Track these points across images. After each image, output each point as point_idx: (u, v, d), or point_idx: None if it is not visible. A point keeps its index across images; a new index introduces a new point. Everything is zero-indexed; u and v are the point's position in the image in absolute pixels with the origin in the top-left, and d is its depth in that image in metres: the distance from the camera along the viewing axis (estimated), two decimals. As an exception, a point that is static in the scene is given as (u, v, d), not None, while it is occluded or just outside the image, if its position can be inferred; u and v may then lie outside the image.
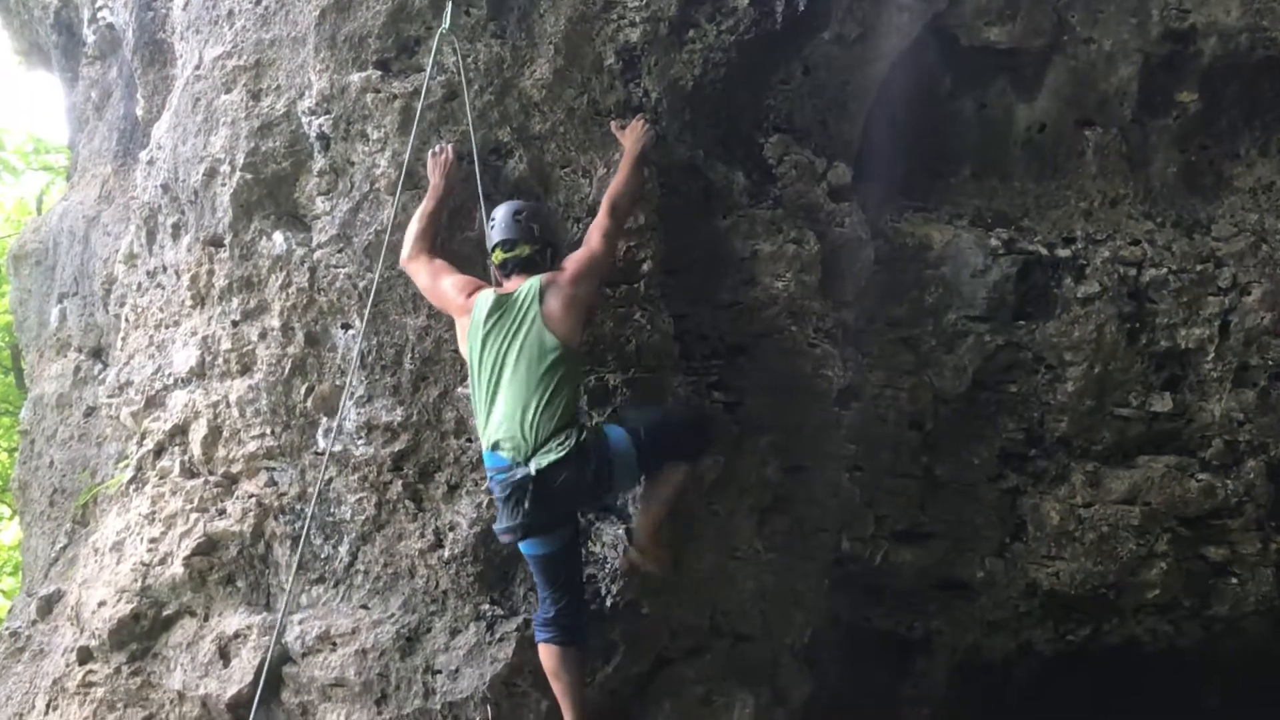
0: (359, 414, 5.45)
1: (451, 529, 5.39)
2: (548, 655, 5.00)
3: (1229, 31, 6.56)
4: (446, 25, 5.26)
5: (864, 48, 5.98)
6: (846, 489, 6.09)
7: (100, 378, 7.22)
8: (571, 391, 4.81)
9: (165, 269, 6.21)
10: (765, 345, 5.71)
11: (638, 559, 5.15)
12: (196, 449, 5.92)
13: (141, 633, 5.86)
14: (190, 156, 5.86)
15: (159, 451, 6.12)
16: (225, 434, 5.81)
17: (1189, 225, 6.66)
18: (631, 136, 5.25)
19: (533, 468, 4.64)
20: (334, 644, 5.41)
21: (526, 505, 4.64)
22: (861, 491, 6.17)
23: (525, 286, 4.87)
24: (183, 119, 5.95)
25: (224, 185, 5.67)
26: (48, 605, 6.83)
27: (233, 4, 5.81)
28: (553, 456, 4.63)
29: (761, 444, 5.72)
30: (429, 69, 5.27)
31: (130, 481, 6.25)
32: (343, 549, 5.56)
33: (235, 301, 5.73)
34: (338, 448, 5.46)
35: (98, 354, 7.75)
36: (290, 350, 5.60)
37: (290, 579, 5.57)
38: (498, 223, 5.04)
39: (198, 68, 5.91)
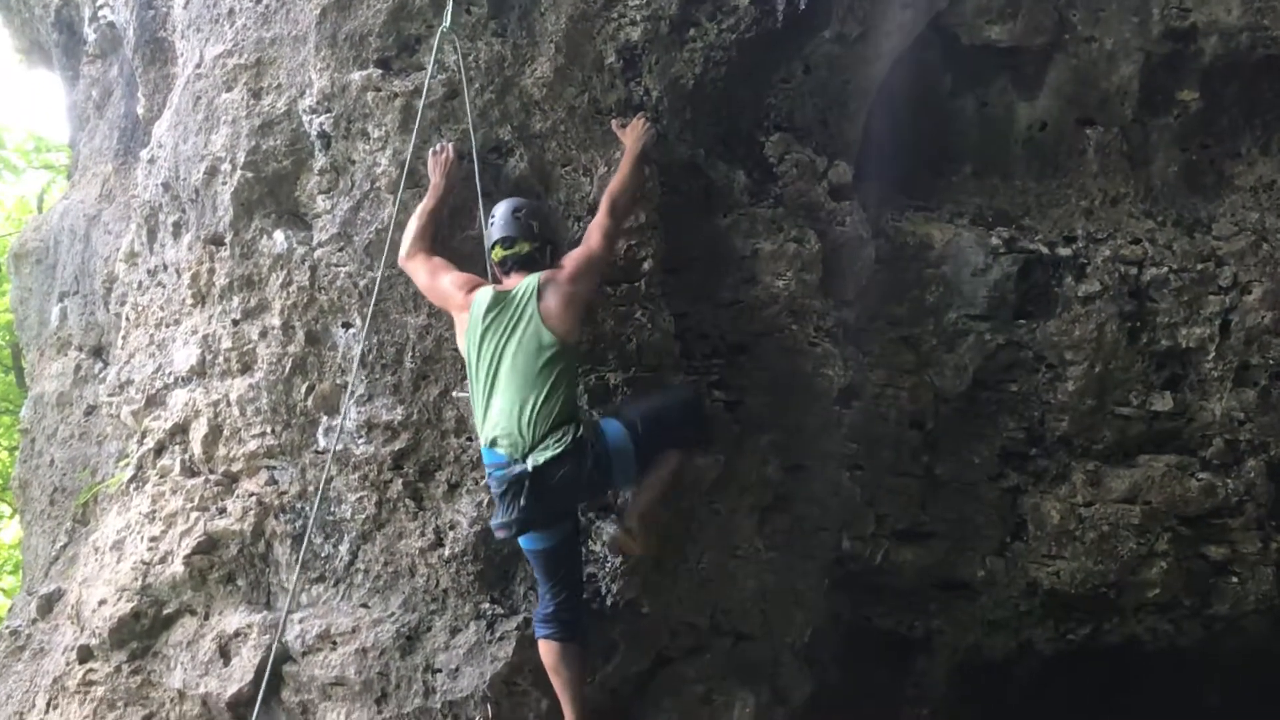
0: (359, 413, 5.45)
1: (452, 528, 5.39)
2: (547, 651, 5.01)
3: (1230, 30, 6.57)
4: (447, 24, 5.26)
5: (865, 46, 5.99)
6: (847, 488, 6.09)
7: (101, 376, 7.22)
8: (569, 388, 4.82)
9: (166, 267, 6.21)
10: (766, 344, 5.71)
11: (626, 542, 5.16)
12: (197, 448, 5.91)
13: (142, 631, 5.85)
14: (191, 155, 5.85)
15: (159, 450, 6.12)
16: (226, 433, 5.81)
17: (1190, 224, 6.67)
18: (632, 135, 5.26)
19: (529, 464, 4.65)
20: (334, 643, 5.40)
21: (522, 501, 4.66)
22: (862, 490, 6.17)
23: (523, 284, 4.88)
24: (184, 117, 5.94)
25: (225, 184, 5.67)
26: (48, 604, 6.83)
27: (234, 2, 5.81)
28: (550, 453, 4.65)
29: (762, 443, 5.72)
30: (430, 67, 5.27)
31: (131, 480, 6.25)
32: (343, 548, 5.56)
33: (236, 300, 5.73)
34: (339, 446, 5.46)
35: (98, 352, 7.75)
36: (291, 349, 5.60)
37: (294, 577, 5.57)
38: (497, 220, 5.05)
39: (199, 66, 5.91)
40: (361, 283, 5.42)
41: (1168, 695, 6.66)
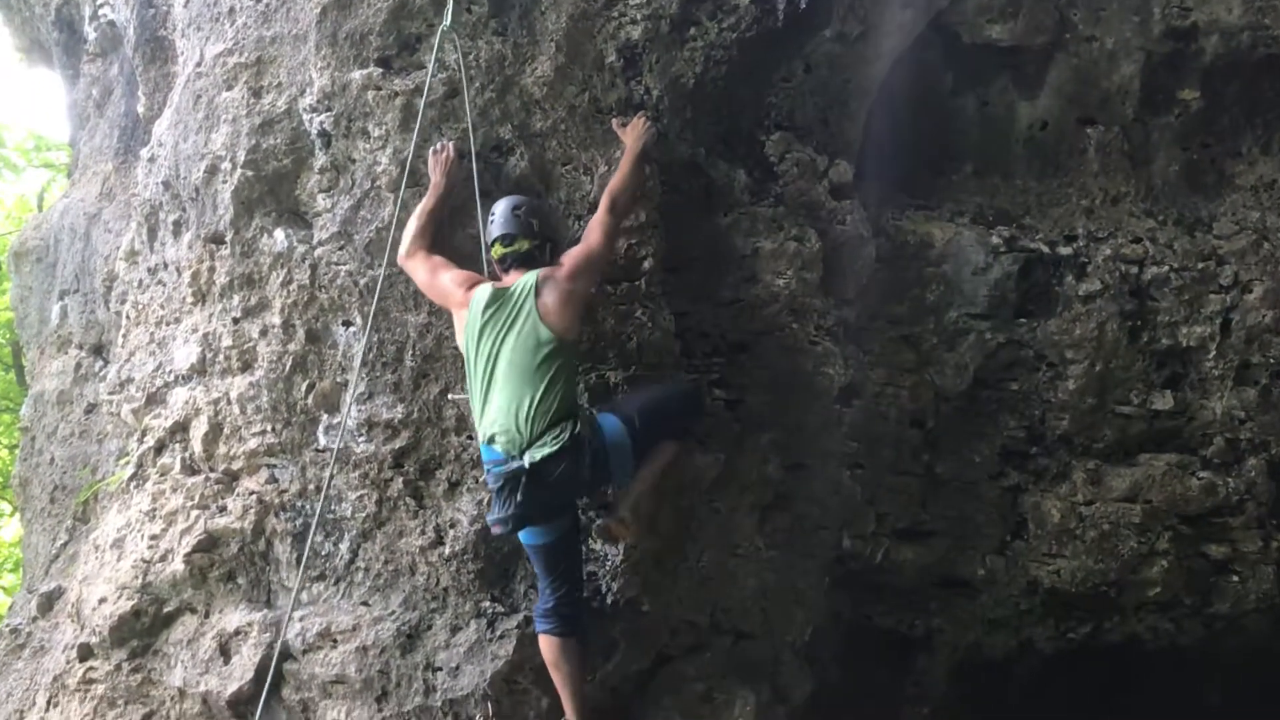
0: (360, 411, 5.45)
1: (452, 526, 5.39)
2: (548, 646, 5.02)
3: (1231, 29, 6.56)
4: (448, 22, 5.26)
5: (865, 45, 5.99)
6: (847, 487, 6.09)
7: (101, 375, 7.22)
8: (567, 385, 4.82)
9: (166, 266, 6.21)
10: (766, 343, 5.71)
11: (619, 529, 5.15)
12: (197, 446, 5.91)
13: (142, 630, 5.85)
14: (191, 153, 5.85)
15: (160, 448, 6.12)
16: (226, 431, 5.81)
17: (1190, 223, 6.67)
18: (633, 134, 5.26)
19: (527, 461, 4.65)
20: (334, 641, 5.40)
21: (519, 497, 4.67)
22: (862, 489, 6.17)
23: (522, 281, 4.88)
24: (184, 116, 5.94)
25: (225, 182, 5.67)
26: (48, 602, 6.83)
27: (234, 1, 5.80)
28: (547, 450, 4.65)
29: (762, 441, 5.72)
30: (430, 66, 5.27)
31: (131, 478, 6.25)
32: (343, 546, 5.56)
33: (236, 298, 5.73)
34: (339, 445, 5.46)
35: (99, 351, 7.75)
36: (291, 347, 5.60)
37: (296, 576, 5.57)
38: (497, 217, 5.06)
39: (199, 65, 5.91)
40: (362, 281, 5.42)
41: (1168, 694, 6.67)
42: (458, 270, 5.08)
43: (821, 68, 5.94)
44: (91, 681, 5.90)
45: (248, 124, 5.59)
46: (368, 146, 5.41)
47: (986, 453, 6.43)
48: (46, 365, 8.26)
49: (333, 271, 5.48)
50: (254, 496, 5.72)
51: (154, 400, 6.16)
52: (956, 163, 6.79)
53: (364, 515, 5.50)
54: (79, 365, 7.87)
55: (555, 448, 4.66)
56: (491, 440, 4.79)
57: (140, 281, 6.45)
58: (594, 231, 5.00)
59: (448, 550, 5.38)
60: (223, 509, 5.78)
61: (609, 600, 5.37)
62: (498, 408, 4.76)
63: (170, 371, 6.07)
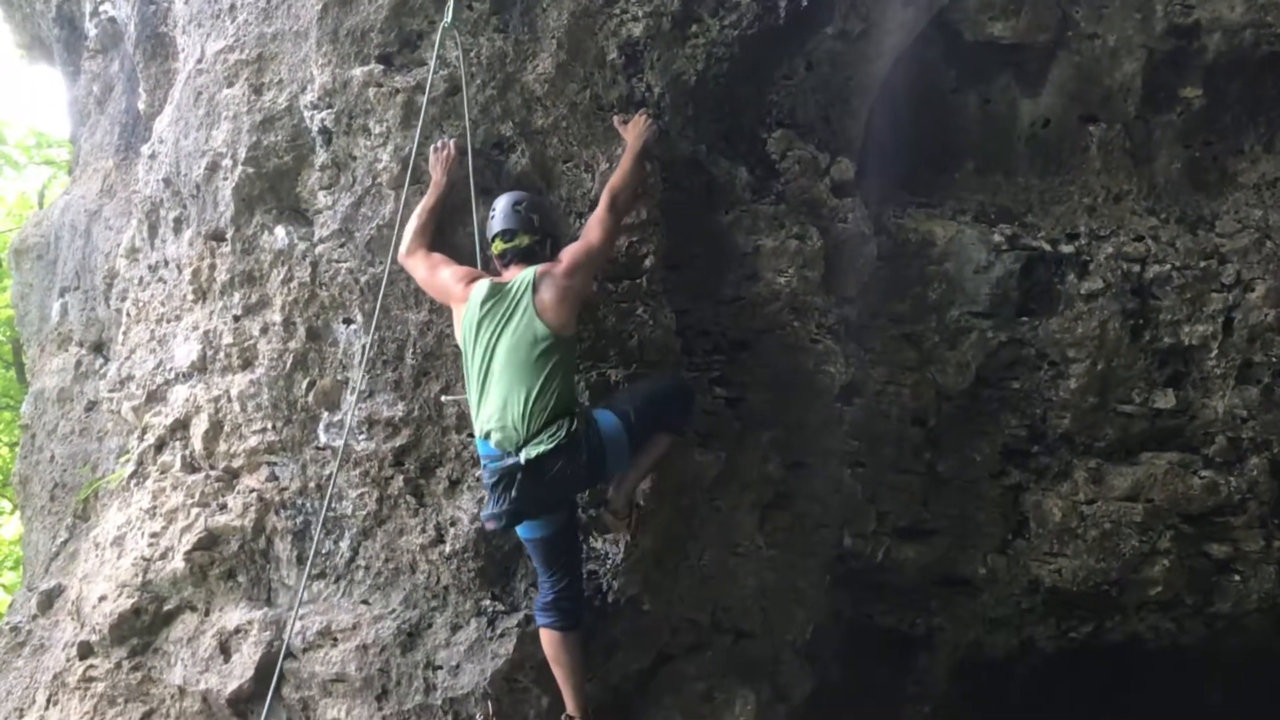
0: (360, 409, 5.44)
1: (453, 524, 5.38)
2: (548, 640, 5.02)
3: (1233, 27, 6.56)
4: (449, 19, 5.25)
5: (867, 43, 5.98)
6: (848, 485, 6.09)
7: (101, 372, 7.22)
8: (564, 381, 4.81)
9: (167, 263, 6.20)
10: (767, 341, 5.71)
11: (613, 523, 5.19)
12: (197, 444, 5.91)
13: (142, 628, 5.85)
14: (192, 150, 5.84)
15: (160, 446, 6.11)
16: (226, 429, 5.81)
17: (1193, 221, 6.65)
18: (634, 131, 5.25)
19: (523, 457, 4.65)
20: (335, 639, 5.40)
21: (514, 493, 4.67)
22: (863, 488, 6.17)
23: (520, 276, 4.88)
24: (185, 113, 5.94)
25: (226, 179, 5.66)
26: (48, 600, 6.83)
27: (235, -2, 5.81)
28: (544, 447, 4.65)
29: (763, 440, 5.72)
30: (432, 63, 5.26)
31: (131, 476, 6.24)
32: (344, 544, 5.55)
33: (237, 296, 5.72)
34: (340, 443, 5.45)
35: (99, 348, 7.75)
36: (292, 345, 5.59)
37: (296, 574, 5.58)
38: (498, 213, 5.05)
39: (200, 62, 5.90)
40: (362, 279, 5.42)
41: (1169, 693, 6.67)
42: (457, 266, 5.09)
43: (823, 65, 5.93)
44: (91, 679, 5.89)
45: (248, 121, 5.59)
46: (369, 144, 5.41)
47: (988, 451, 6.42)
48: (47, 362, 8.26)
49: (333, 269, 5.47)
50: (254, 494, 5.71)
51: (154, 398, 6.16)
52: (958, 160, 6.78)
53: (364, 513, 5.50)
54: (79, 362, 7.87)
55: (552, 445, 4.66)
56: (488, 436, 4.79)
57: (141, 279, 6.45)
58: (594, 228, 4.99)
59: (448, 548, 5.37)
60: (223, 507, 5.77)
61: (610, 599, 5.36)
62: (494, 403, 4.76)
63: (171, 369, 6.07)
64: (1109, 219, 6.62)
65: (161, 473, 6.07)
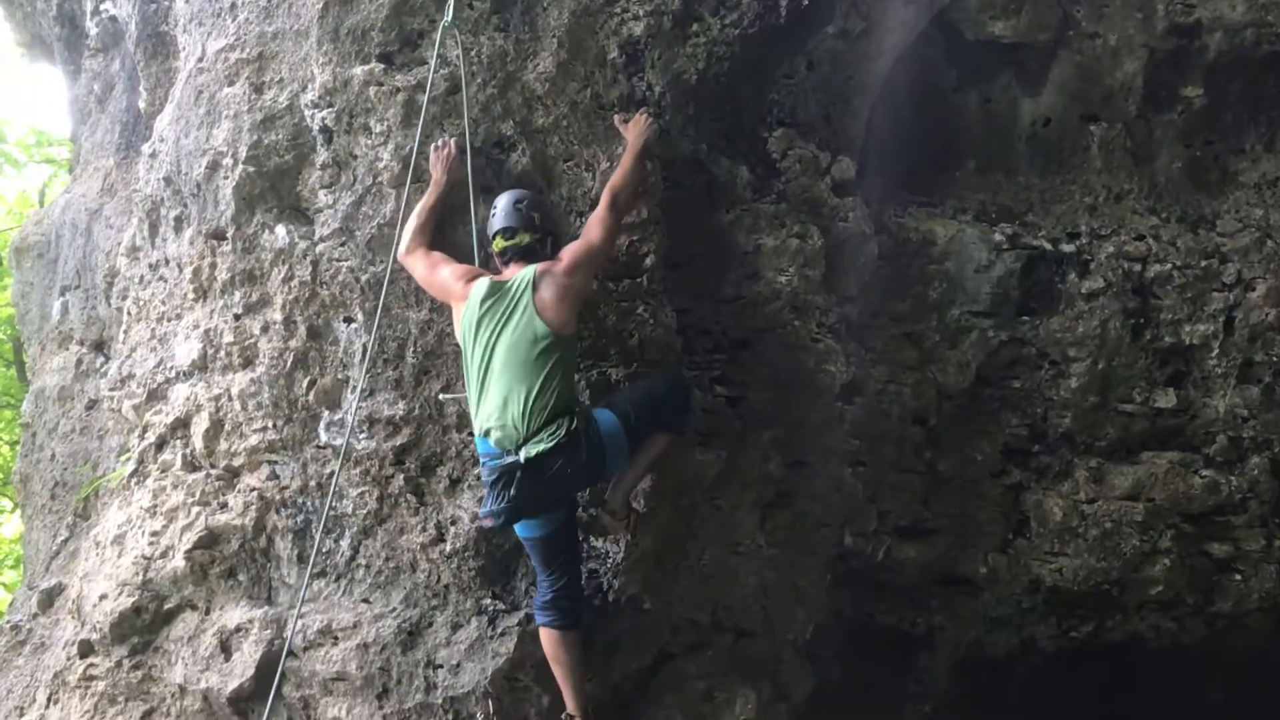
0: (361, 408, 5.44)
1: (453, 523, 5.38)
2: (547, 639, 5.03)
3: (1234, 26, 6.56)
4: (449, 18, 5.24)
5: (868, 42, 5.98)
6: (849, 484, 6.09)
7: (102, 371, 7.22)
8: (564, 380, 4.81)
9: (167, 262, 6.20)
10: (768, 340, 5.70)
11: (612, 524, 5.19)
12: (198, 442, 5.91)
13: (143, 626, 5.85)
14: (193, 149, 5.84)
15: (160, 445, 6.11)
16: (227, 427, 5.81)
17: (1194, 221, 6.65)
18: (634, 130, 5.24)
19: (523, 456, 4.65)
20: (335, 638, 5.40)
21: (512, 491, 4.67)
22: (864, 487, 6.17)
23: (520, 275, 4.88)
24: (185, 112, 5.94)
25: (226, 178, 5.66)
26: (49, 598, 6.83)
27: (235, -4, 5.80)
28: (543, 446, 4.65)
29: (764, 439, 5.72)
30: (432, 62, 5.26)
31: (132, 475, 6.24)
32: (344, 543, 5.55)
33: (237, 295, 5.72)
34: (340, 441, 5.45)
35: (100, 347, 7.75)
36: (292, 344, 5.59)
37: (297, 572, 5.58)
38: (499, 211, 5.06)
39: (200, 60, 5.90)
40: (363, 277, 5.42)
41: (1170, 693, 6.66)
42: (457, 264, 5.09)
43: (824, 64, 5.93)
44: (92, 678, 5.89)
45: (249, 120, 5.59)
46: (369, 142, 5.41)
47: (989, 450, 6.42)
48: (47, 361, 8.26)
49: (334, 268, 5.47)
50: (255, 493, 5.71)
51: (155, 396, 6.16)
52: (959, 159, 6.78)
53: (365, 512, 5.50)
54: (80, 361, 7.87)
55: (552, 443, 4.66)
56: (487, 434, 4.79)
57: (141, 277, 6.45)
58: (594, 227, 4.98)
59: (449, 547, 5.37)
60: (224, 505, 5.77)
61: (610, 598, 5.36)
62: (494, 402, 4.76)
63: (171, 368, 6.07)
64: (1110, 218, 6.61)
65: (162, 471, 6.07)
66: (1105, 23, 6.54)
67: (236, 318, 5.74)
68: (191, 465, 5.99)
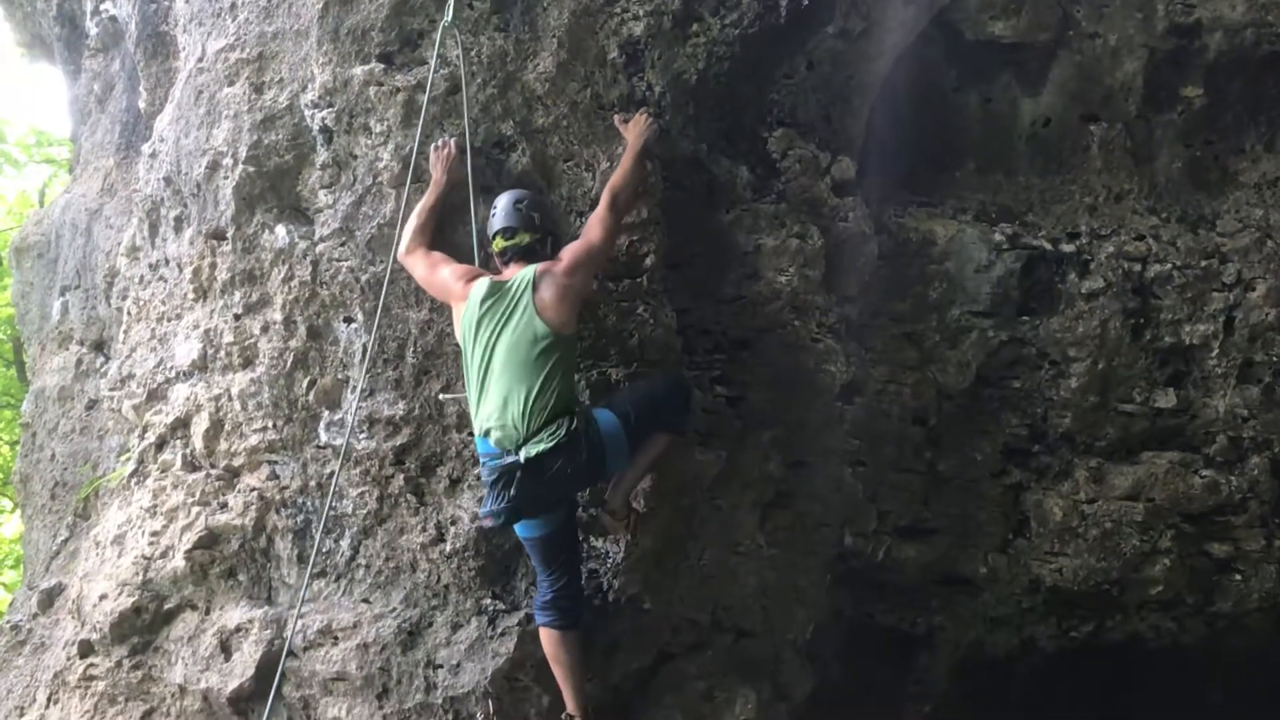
0: (361, 407, 5.44)
1: (453, 523, 5.38)
2: (547, 639, 5.03)
3: (1234, 26, 6.56)
4: (449, 18, 5.24)
5: (868, 42, 5.98)
6: (849, 484, 6.09)
7: (102, 371, 7.22)
8: (564, 380, 4.81)
9: (167, 262, 6.20)
10: (768, 340, 5.70)
11: (612, 524, 5.19)
12: (198, 442, 5.91)
13: (143, 626, 5.85)
14: (193, 149, 5.84)
15: (160, 445, 6.11)
16: (227, 427, 5.81)
17: (1194, 221, 6.65)
18: (634, 130, 5.24)
19: (523, 456, 4.65)
20: (335, 638, 5.40)
21: (512, 491, 4.66)
22: (864, 487, 6.17)
23: (520, 275, 4.88)
24: (185, 112, 5.94)
25: (226, 178, 5.66)
26: (49, 598, 6.83)
27: (235, -4, 5.80)
28: (543, 446, 4.65)
29: (764, 439, 5.72)
30: (433, 62, 5.26)
31: (132, 475, 6.24)
32: (344, 543, 5.55)
33: (237, 295, 5.72)
34: (340, 441, 5.45)
35: (100, 347, 7.75)
36: (292, 344, 5.59)
37: (297, 572, 5.58)
38: (499, 211, 5.06)
39: (200, 60, 5.90)
40: (363, 277, 5.42)
41: (1170, 693, 6.66)
42: (457, 264, 5.09)
43: (824, 64, 5.93)
44: (92, 678, 5.89)
45: (249, 120, 5.59)
46: (369, 142, 5.41)
47: (989, 450, 6.42)
48: (47, 361, 8.26)
49: (334, 268, 5.47)
50: (255, 493, 5.71)
51: (155, 396, 6.16)
52: (959, 160, 6.78)
53: (365, 512, 5.50)
54: (80, 361, 7.87)
55: (552, 443, 4.66)
56: (487, 434, 4.79)
57: (141, 277, 6.45)
58: (594, 227, 4.98)
59: (449, 547, 5.37)
60: (224, 505, 5.77)
61: (610, 598, 5.36)
62: (494, 402, 4.76)
63: (171, 367, 6.07)
64: (1110, 218, 6.61)
65: (162, 471, 6.07)
66: (1105, 23, 6.54)
67: (236, 318, 5.73)
68: (191, 465, 5.99)
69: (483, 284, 4.89)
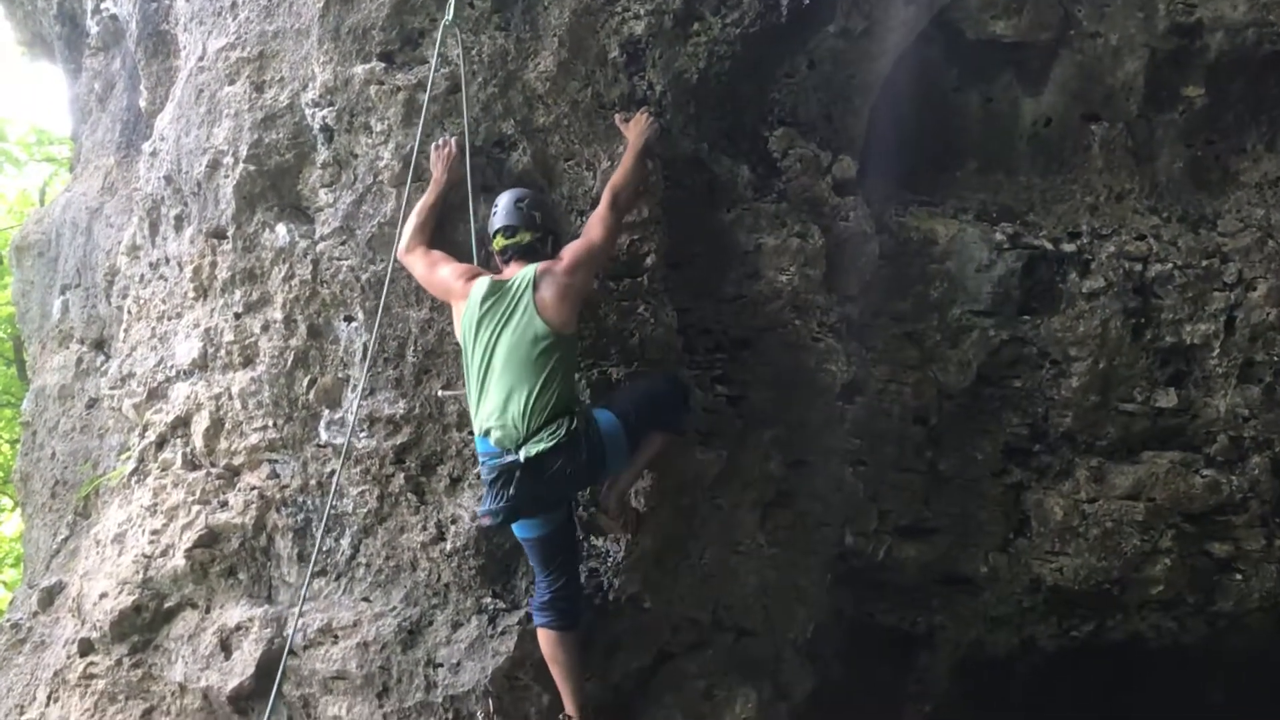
0: (361, 406, 5.44)
1: (453, 522, 5.38)
2: (545, 640, 5.02)
3: (1235, 26, 6.55)
4: (450, 17, 5.24)
5: (869, 41, 5.97)
6: (850, 484, 6.08)
7: (102, 369, 7.21)
8: (564, 380, 4.81)
9: (168, 261, 6.20)
10: (769, 339, 5.70)
11: (607, 523, 5.19)
12: (198, 441, 5.91)
13: (143, 625, 5.85)
14: (193, 148, 5.84)
15: (161, 443, 6.11)
16: (227, 426, 5.81)
17: (1195, 220, 6.65)
18: (635, 129, 5.24)
19: (522, 455, 4.64)
20: (335, 637, 5.40)
21: (512, 490, 4.66)
22: (865, 486, 6.16)
23: (521, 274, 4.87)
24: (186, 110, 5.94)
25: (227, 177, 5.66)
26: (49, 597, 6.83)
27: (236, -5, 5.80)
28: (543, 445, 4.65)
29: (765, 438, 5.71)
30: (433, 61, 5.25)
31: (132, 473, 6.24)
32: (344, 542, 5.55)
33: (238, 293, 5.72)
34: (341, 440, 5.45)
35: (100, 346, 7.74)
36: (293, 342, 5.59)
37: (297, 571, 5.59)
38: (500, 209, 5.05)
39: (201, 59, 5.90)
40: (364, 276, 5.42)
41: (1171, 692, 6.66)
42: (457, 263, 5.08)
43: (825, 63, 5.92)
44: (92, 677, 5.90)
45: (250, 118, 5.59)
46: (370, 141, 5.41)
47: (989, 450, 6.41)
48: (48, 360, 8.26)
49: (334, 266, 5.47)
50: (255, 492, 5.71)
51: (155, 395, 6.16)
52: (960, 159, 6.77)
53: (365, 511, 5.50)
54: (80, 360, 7.87)
55: (552, 443, 4.65)
56: (487, 433, 4.78)
57: (142, 276, 6.45)
58: (595, 226, 4.98)
59: (449, 546, 5.37)
60: (224, 504, 5.77)
61: (610, 597, 5.36)
62: (494, 401, 4.75)
63: (172, 366, 6.07)
64: (1111, 218, 6.61)
65: (162, 470, 6.07)
66: (1106, 22, 6.53)
67: (237, 316, 5.74)
68: (192, 464, 5.99)
69: (483, 283, 4.89)
